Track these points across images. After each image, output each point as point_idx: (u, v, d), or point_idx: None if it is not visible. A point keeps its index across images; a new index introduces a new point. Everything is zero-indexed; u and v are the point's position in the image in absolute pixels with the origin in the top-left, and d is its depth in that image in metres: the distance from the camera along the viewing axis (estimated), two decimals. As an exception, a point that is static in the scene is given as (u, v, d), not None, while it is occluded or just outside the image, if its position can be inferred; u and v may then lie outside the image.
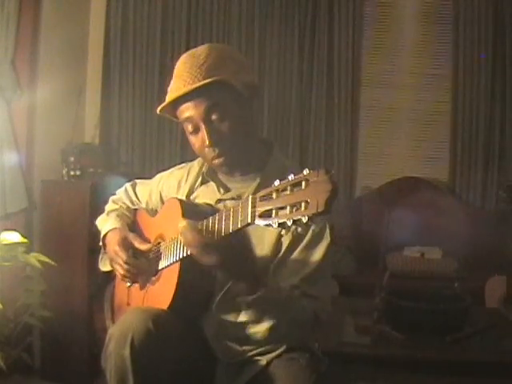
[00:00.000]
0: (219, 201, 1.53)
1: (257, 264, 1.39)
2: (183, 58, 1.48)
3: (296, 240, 1.43)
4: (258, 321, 1.40)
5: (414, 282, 3.40)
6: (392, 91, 4.06)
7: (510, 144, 3.92)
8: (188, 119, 1.46)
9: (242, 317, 1.43)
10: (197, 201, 1.59)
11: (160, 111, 1.51)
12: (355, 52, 3.99)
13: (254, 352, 1.49)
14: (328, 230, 1.45)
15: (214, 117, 1.44)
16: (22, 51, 2.94)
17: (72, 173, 3.10)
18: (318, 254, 1.44)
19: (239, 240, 1.30)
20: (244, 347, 1.48)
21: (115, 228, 1.64)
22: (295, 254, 1.44)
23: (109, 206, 1.78)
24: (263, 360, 1.48)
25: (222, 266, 1.30)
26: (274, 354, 1.48)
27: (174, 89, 1.45)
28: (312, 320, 1.42)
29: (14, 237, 2.49)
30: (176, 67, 1.48)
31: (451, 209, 3.83)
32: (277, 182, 1.10)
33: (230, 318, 1.45)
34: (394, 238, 3.40)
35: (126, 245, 1.58)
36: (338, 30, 3.95)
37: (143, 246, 1.56)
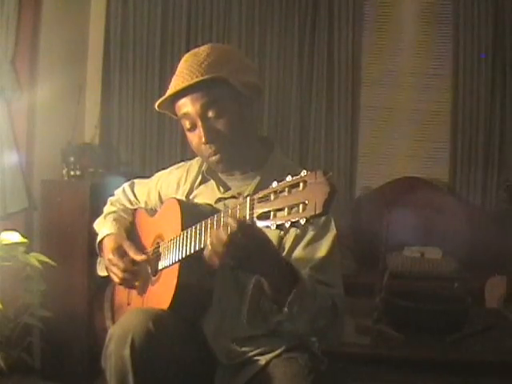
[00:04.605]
0: (219, 199, 1.53)
1: (279, 256, 1.31)
2: (185, 56, 1.50)
3: (301, 234, 1.42)
4: (294, 317, 1.28)
5: (413, 281, 3.39)
6: (392, 91, 4.06)
7: (510, 144, 3.92)
8: (185, 115, 1.47)
9: (278, 317, 1.30)
10: (197, 200, 1.58)
11: (158, 107, 1.52)
12: (355, 52, 3.99)
13: (254, 353, 1.48)
14: (333, 222, 1.44)
15: (210, 114, 1.44)
16: (22, 51, 2.93)
17: (72, 173, 3.11)
18: (325, 245, 1.43)
19: (257, 235, 1.21)
20: (244, 348, 1.48)
21: (111, 234, 1.63)
22: (302, 247, 1.43)
23: (106, 209, 1.78)
24: (262, 360, 1.47)
25: (251, 262, 1.21)
26: (273, 354, 1.48)
27: (174, 85, 1.47)
28: (331, 308, 1.35)
29: (13, 237, 2.49)
30: (178, 66, 1.49)
31: (451, 209, 3.83)
32: (275, 184, 1.08)
33: (260, 322, 1.36)
34: (394, 238, 3.38)
35: (120, 253, 1.57)
36: (338, 29, 3.95)
37: (138, 257, 1.54)
